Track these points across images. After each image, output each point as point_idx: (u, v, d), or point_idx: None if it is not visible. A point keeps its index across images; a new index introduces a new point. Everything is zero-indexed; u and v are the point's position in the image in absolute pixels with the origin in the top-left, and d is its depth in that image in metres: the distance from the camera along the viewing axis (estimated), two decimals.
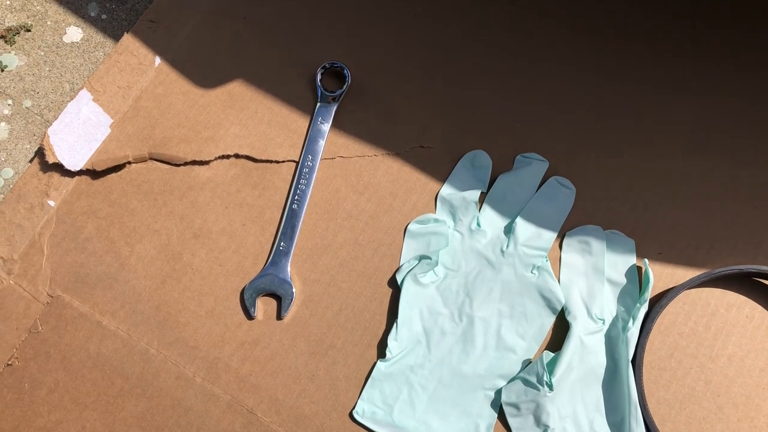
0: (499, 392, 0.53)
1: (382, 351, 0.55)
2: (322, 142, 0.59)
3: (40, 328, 0.55)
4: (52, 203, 0.58)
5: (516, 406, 0.52)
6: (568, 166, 0.59)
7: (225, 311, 0.56)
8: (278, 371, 0.54)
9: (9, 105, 0.62)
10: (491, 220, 0.57)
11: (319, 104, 0.59)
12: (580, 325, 0.53)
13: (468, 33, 0.62)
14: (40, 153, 0.59)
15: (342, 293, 0.56)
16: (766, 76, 0.61)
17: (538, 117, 0.60)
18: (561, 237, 0.57)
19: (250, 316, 0.55)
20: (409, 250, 0.57)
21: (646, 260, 0.55)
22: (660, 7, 0.63)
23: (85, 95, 0.60)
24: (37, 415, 0.54)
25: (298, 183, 0.57)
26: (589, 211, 0.58)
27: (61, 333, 0.55)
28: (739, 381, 0.54)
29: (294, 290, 0.55)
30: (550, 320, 0.55)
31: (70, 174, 0.58)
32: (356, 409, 0.53)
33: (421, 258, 0.55)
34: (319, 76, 0.60)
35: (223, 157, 0.59)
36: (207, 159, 0.58)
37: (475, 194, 0.57)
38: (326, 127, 0.59)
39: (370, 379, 0.54)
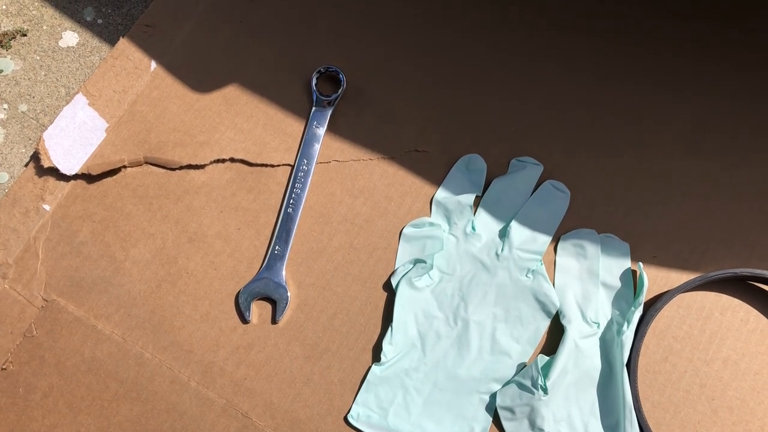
0: (494, 396, 0.53)
1: (377, 355, 0.55)
2: (317, 146, 0.59)
3: (35, 332, 0.55)
4: (47, 207, 0.58)
5: (511, 410, 0.52)
6: (563, 170, 0.59)
7: (220, 315, 0.56)
8: (273, 375, 0.54)
9: (5, 109, 0.62)
10: (486, 223, 0.57)
11: (314, 108, 0.60)
12: (574, 328, 0.53)
13: (463, 38, 0.63)
14: (35, 157, 0.59)
15: (337, 297, 0.56)
16: (761, 78, 0.61)
17: (533, 120, 0.60)
18: (556, 241, 0.57)
19: (244, 320, 0.55)
20: (404, 254, 0.57)
21: (640, 264, 0.55)
22: (655, 7, 0.63)
23: (80, 99, 0.60)
24: (32, 419, 0.53)
25: (293, 187, 0.57)
26: (583, 214, 0.58)
27: (55, 337, 0.55)
28: (733, 384, 0.54)
29: (289, 294, 0.55)
30: (545, 324, 0.55)
31: (65, 178, 0.58)
32: (351, 413, 0.53)
33: (416, 262, 0.55)
34: (314, 81, 0.60)
35: (218, 161, 0.59)
36: (202, 163, 0.58)
37: (470, 198, 0.57)
38: (321, 131, 0.59)
39: (365, 383, 0.54)
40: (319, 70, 0.60)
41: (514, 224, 0.56)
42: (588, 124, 0.60)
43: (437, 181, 0.59)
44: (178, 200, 0.58)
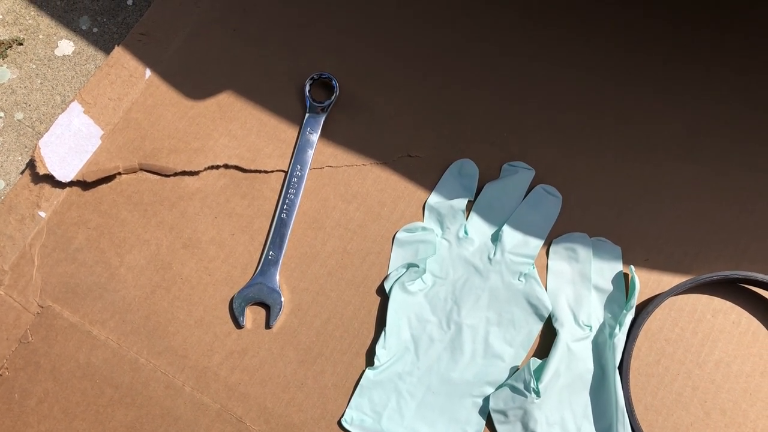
0: (487, 399, 0.53)
1: (370, 359, 0.55)
2: (310, 152, 0.59)
3: (30, 338, 0.55)
4: (42, 214, 0.58)
5: (504, 413, 0.52)
6: (555, 174, 0.59)
7: (214, 320, 0.56)
8: (267, 380, 0.54)
9: (1, 118, 0.63)
10: (478, 228, 0.57)
11: (307, 115, 0.60)
12: (567, 331, 0.54)
13: (454, 44, 0.63)
14: (31, 165, 0.59)
15: (330, 302, 0.56)
16: (755, 82, 0.61)
17: (525, 125, 0.61)
18: (548, 244, 0.57)
19: (239, 325, 0.56)
20: (397, 259, 0.57)
21: (632, 267, 0.55)
22: (646, 12, 0.64)
23: (76, 107, 0.60)
24: (27, 425, 0.54)
25: (287, 192, 0.58)
26: (575, 217, 0.58)
27: (51, 343, 0.55)
28: (726, 387, 0.54)
29: (283, 299, 0.56)
30: (537, 327, 0.55)
31: (60, 185, 0.59)
32: (345, 417, 0.53)
33: (409, 266, 0.56)
34: (307, 87, 0.60)
35: (212, 167, 0.59)
36: (196, 169, 0.59)
37: (462, 203, 0.58)
38: (315, 137, 0.59)
39: (358, 387, 0.54)
40: (313, 77, 0.60)
41: (506, 228, 0.57)
42: (580, 128, 0.61)
43: (430, 186, 0.59)
44: (172, 206, 0.58)
